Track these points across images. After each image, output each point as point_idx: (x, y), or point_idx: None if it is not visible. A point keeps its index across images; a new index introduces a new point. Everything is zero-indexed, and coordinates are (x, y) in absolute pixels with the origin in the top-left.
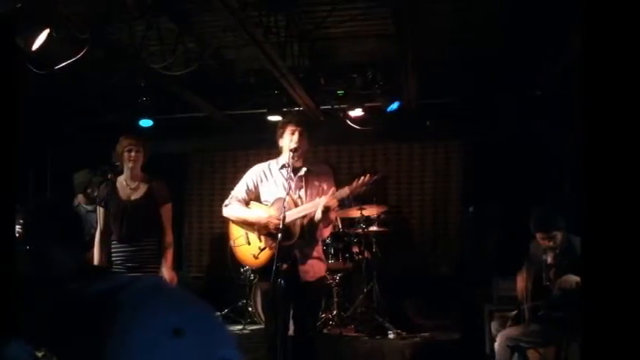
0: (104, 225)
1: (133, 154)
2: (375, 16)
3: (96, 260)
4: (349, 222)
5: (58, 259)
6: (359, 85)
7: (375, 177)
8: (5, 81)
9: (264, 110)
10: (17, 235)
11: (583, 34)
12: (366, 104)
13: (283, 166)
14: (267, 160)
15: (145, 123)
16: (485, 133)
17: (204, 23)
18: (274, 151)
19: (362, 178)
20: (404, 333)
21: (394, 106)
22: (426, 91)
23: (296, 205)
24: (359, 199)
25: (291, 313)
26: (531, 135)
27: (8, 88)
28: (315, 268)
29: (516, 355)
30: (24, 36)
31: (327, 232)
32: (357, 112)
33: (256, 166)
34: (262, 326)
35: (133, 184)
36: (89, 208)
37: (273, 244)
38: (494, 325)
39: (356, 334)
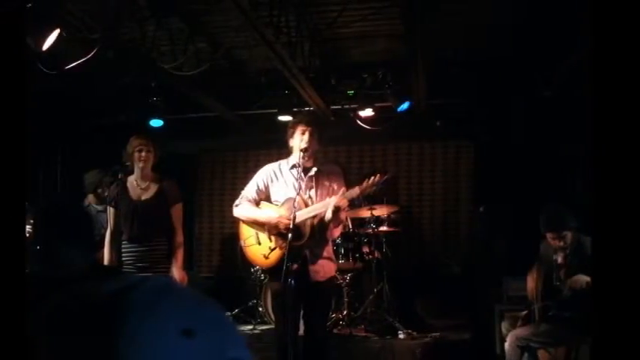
0: (114, 225)
1: (143, 154)
2: (385, 16)
3: (106, 260)
4: (359, 222)
5: (68, 258)
6: (369, 85)
7: (386, 177)
8: (15, 81)
9: (275, 110)
10: (27, 234)
11: (592, 35)
12: (377, 104)
13: (294, 166)
14: (277, 160)
15: (156, 123)
16: (495, 132)
17: (215, 23)
18: (285, 151)
19: (372, 178)
20: (414, 333)
21: (404, 106)
22: (436, 91)
23: (306, 205)
24: (369, 199)
25: (302, 313)
26: (541, 135)
27: (18, 89)
28: (325, 268)
29: (526, 355)
30: (34, 36)
31: (337, 232)
32: (368, 112)
33: (267, 166)
34: (272, 326)
35: (144, 184)
36: (99, 208)
37: (284, 244)
38: (504, 325)
39: (366, 334)
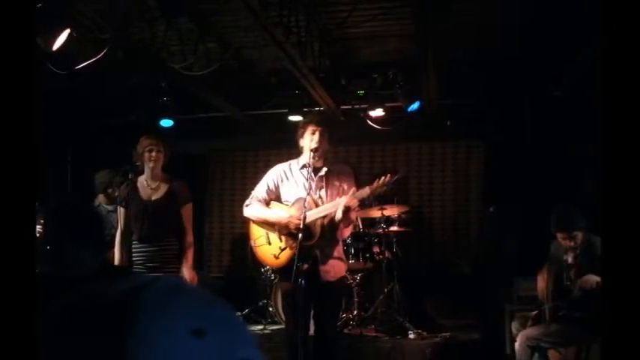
0: (125, 225)
1: (153, 154)
2: (395, 15)
3: (116, 260)
4: (370, 222)
5: (79, 259)
6: (379, 85)
7: (396, 177)
8: (25, 81)
9: (285, 110)
10: (38, 234)
11: (603, 34)
12: (387, 104)
13: (304, 166)
14: (287, 160)
15: (166, 123)
16: (505, 132)
17: (224, 23)
18: (295, 151)
19: (382, 178)
20: (424, 333)
21: (415, 106)
22: (446, 91)
23: (317, 205)
24: (380, 199)
25: (312, 313)
26: (551, 135)
27: (29, 89)
28: (335, 268)
29: (537, 355)
30: (44, 36)
31: (347, 232)
32: (378, 112)
33: (277, 166)
34: (283, 326)
35: (154, 184)
36: (110, 208)
37: (294, 244)
38: (514, 325)
39: (376, 334)
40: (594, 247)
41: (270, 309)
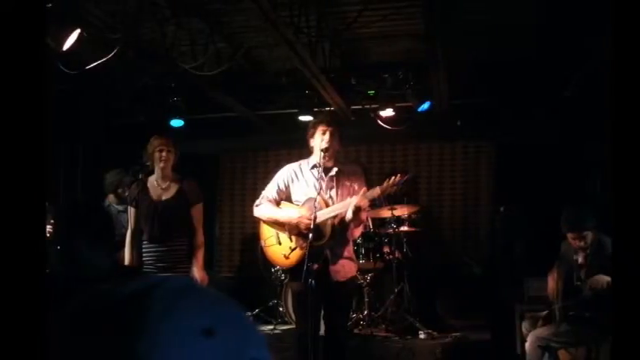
0: (135, 225)
1: (164, 154)
2: (405, 15)
3: (127, 260)
4: (380, 222)
5: (89, 259)
6: (390, 85)
7: (406, 177)
8: (36, 81)
9: (296, 110)
10: (48, 235)
11: (613, 36)
12: (397, 104)
13: (314, 166)
14: (298, 160)
15: (176, 123)
16: (515, 133)
17: (235, 23)
18: (305, 151)
19: (393, 178)
20: (435, 333)
21: (425, 106)
22: (456, 92)
23: (327, 205)
24: (390, 199)
25: (322, 313)
26: (561, 135)
27: (39, 89)
28: (346, 268)
29: (547, 355)
30: (55, 36)
31: (357, 232)
32: (388, 112)
33: (287, 166)
34: (293, 326)
35: (164, 184)
36: (120, 208)
37: (304, 244)
38: (525, 325)
39: (387, 334)
40: (604, 247)
41: (281, 309)
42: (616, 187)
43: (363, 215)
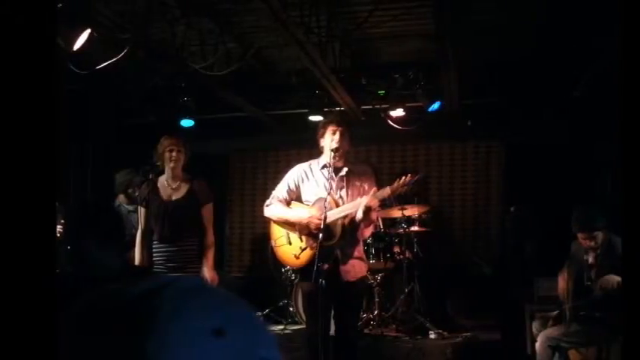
0: (145, 225)
1: (174, 154)
2: (416, 15)
3: (137, 260)
4: (390, 222)
5: (99, 259)
6: (400, 85)
7: (417, 177)
8: (46, 81)
9: (306, 110)
10: (58, 235)
11: (621, 36)
12: (408, 104)
13: (324, 166)
14: (308, 160)
15: (186, 123)
16: (526, 133)
17: (245, 23)
18: (315, 151)
19: (403, 178)
20: (445, 333)
21: (435, 106)
22: (467, 91)
23: (337, 205)
24: (400, 199)
25: (333, 313)
26: (572, 135)
27: (49, 89)
28: (356, 268)
29: (557, 355)
30: (65, 36)
31: (368, 232)
32: (399, 112)
33: (297, 166)
34: (303, 326)
35: (174, 184)
36: (130, 208)
37: (314, 244)
38: (535, 325)
39: (397, 334)
40: (615, 247)
41: (291, 309)
42: (626, 187)
43: (374, 215)
